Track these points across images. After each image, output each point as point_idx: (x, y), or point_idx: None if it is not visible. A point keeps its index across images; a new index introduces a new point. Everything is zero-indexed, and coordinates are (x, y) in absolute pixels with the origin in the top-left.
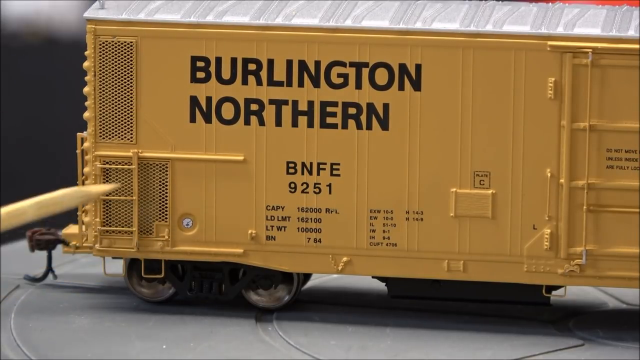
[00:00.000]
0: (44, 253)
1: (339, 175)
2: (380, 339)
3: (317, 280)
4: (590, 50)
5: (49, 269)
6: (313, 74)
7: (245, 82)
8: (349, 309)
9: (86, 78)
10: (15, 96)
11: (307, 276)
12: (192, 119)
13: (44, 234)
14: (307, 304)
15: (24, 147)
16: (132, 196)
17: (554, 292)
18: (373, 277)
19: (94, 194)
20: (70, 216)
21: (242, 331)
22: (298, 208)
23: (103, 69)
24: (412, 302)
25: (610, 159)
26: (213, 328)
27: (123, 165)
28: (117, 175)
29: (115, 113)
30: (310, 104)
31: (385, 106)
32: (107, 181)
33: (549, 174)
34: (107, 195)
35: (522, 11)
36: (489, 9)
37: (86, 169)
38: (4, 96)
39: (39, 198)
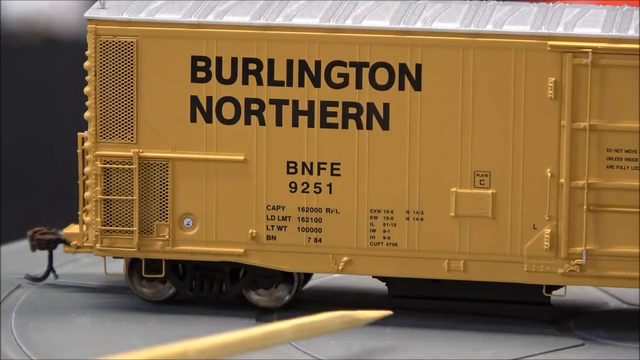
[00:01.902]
0: (45, 252)
1: (339, 175)
2: (380, 339)
3: (317, 280)
4: (590, 50)
5: (50, 268)
6: (313, 73)
7: (245, 81)
8: (349, 309)
9: (87, 78)
10: (15, 96)
11: (307, 276)
12: (193, 119)
13: (45, 234)
14: (308, 303)
15: (24, 147)
16: (132, 196)
17: (554, 292)
18: (373, 276)
19: (362, 319)
20: (70, 216)
21: None
22: (298, 208)
23: (104, 68)
24: (413, 302)
25: (610, 158)
26: (213, 328)
27: (124, 165)
28: (117, 175)
29: (116, 113)
30: (311, 103)
31: (386, 106)
32: (107, 181)
33: (549, 174)
34: (107, 195)
35: (523, 11)
36: (489, 9)
37: (87, 169)
38: (4, 96)
39: (300, 321)
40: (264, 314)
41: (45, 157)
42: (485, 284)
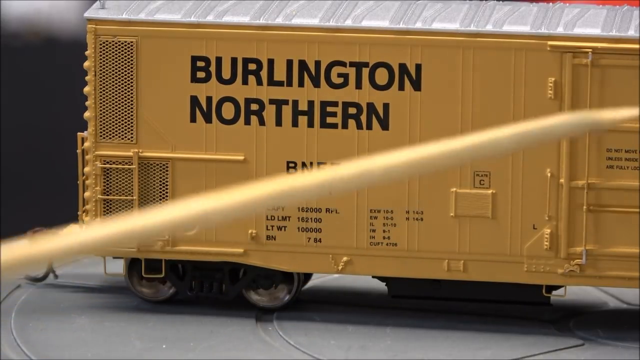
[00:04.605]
0: None
1: None
2: (380, 339)
3: (317, 280)
4: (590, 50)
5: (50, 268)
6: (313, 73)
7: (245, 82)
8: (349, 309)
9: (86, 78)
10: (15, 96)
11: (307, 276)
12: (193, 119)
13: (45, 234)
14: (308, 303)
15: (24, 146)
16: (132, 196)
17: (554, 292)
18: (373, 277)
19: (606, 121)
20: (70, 216)
21: (242, 331)
22: (298, 208)
23: (103, 68)
24: (412, 302)
25: (610, 159)
26: (213, 328)
27: (123, 165)
28: (117, 175)
29: (116, 113)
30: (311, 103)
31: (386, 106)
32: (107, 181)
33: (549, 174)
34: (107, 195)
35: (522, 11)
36: (489, 9)
37: (86, 169)
38: (3, 96)
39: (522, 127)
40: (264, 314)
41: (45, 157)
42: (485, 284)
